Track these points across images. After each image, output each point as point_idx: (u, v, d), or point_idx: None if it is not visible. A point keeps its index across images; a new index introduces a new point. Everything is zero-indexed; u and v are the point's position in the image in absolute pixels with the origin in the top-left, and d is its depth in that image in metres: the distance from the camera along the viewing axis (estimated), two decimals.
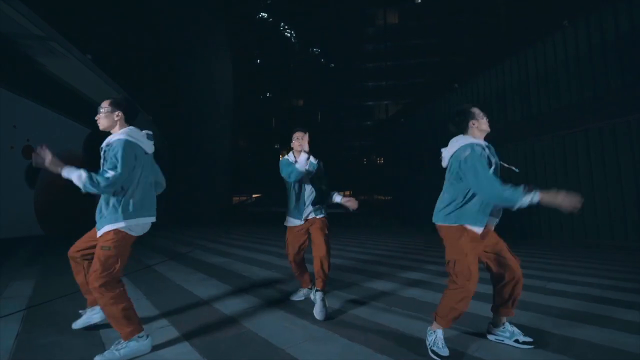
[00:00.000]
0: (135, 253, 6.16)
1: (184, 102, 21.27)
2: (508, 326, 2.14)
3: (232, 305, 2.93)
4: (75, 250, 2.18)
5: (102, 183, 1.85)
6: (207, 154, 22.50)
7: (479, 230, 2.00)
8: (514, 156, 10.99)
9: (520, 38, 11.51)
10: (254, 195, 42.22)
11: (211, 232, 11.71)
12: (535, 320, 2.52)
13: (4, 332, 2.27)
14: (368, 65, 39.87)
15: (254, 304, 2.98)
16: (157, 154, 2.27)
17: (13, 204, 8.16)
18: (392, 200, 22.42)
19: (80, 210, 10.88)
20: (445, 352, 1.93)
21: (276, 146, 44.54)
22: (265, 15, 46.79)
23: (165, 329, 2.32)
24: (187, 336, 2.21)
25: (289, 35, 47.47)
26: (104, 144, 2.05)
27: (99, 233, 1.99)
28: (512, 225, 11.21)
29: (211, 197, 22.96)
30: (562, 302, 3.08)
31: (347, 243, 8.18)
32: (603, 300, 3.14)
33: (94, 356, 1.84)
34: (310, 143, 2.83)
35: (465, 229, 1.99)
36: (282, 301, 3.06)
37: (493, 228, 2.09)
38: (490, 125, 2.19)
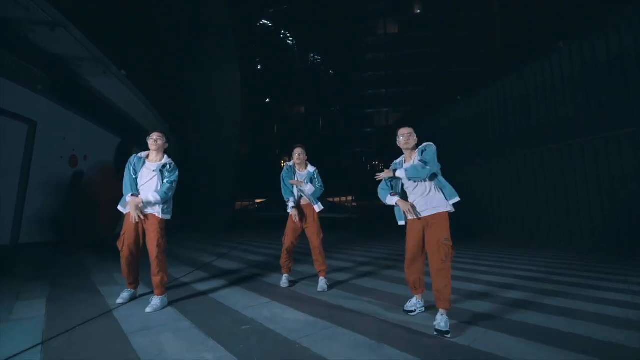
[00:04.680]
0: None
1: (193, 113, 21.97)
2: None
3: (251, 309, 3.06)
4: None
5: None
6: (215, 163, 23.07)
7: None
8: (507, 167, 11.83)
9: (520, 56, 12.52)
10: (257, 200, 42.74)
11: (225, 238, 11.57)
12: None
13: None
14: (368, 73, 40.78)
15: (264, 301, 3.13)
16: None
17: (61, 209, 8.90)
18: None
19: (113, 217, 11.60)
20: None
21: (277, 152, 45.08)
22: (267, 23, 47.61)
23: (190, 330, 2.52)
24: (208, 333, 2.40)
25: (290, 43, 48.25)
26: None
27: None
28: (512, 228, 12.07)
29: (217, 204, 23.48)
30: (474, 287, 3.98)
31: (372, 245, 8.17)
32: (508, 285, 4.07)
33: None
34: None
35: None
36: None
37: None
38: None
